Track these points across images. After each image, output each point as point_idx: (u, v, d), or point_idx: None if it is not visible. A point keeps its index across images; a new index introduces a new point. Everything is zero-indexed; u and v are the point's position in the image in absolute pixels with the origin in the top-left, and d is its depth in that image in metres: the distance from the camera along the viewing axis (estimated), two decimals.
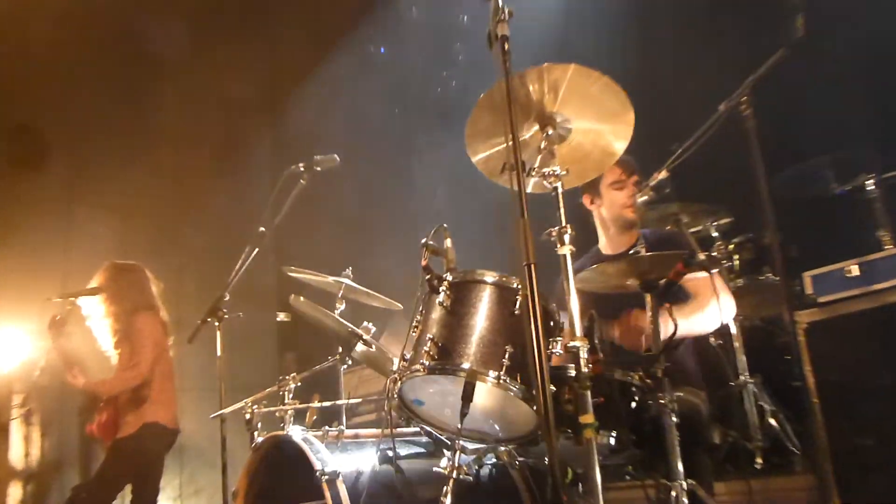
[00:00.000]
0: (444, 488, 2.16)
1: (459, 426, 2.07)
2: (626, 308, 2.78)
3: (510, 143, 1.89)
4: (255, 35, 6.60)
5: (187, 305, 4.84)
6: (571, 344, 2.07)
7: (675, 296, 2.91)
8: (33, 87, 5.44)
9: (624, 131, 2.39)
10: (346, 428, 2.71)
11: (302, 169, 3.56)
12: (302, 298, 3.04)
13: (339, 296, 3.23)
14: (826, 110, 3.93)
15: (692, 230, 4.12)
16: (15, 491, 4.70)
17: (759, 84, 2.80)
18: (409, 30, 6.58)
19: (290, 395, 2.93)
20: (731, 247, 4.19)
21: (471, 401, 2.06)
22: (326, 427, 2.67)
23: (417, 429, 2.47)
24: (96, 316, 4.27)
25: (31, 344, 4.75)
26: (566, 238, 2.15)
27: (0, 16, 5.14)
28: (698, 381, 2.97)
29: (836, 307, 2.99)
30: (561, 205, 2.21)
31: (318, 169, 3.57)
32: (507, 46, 1.98)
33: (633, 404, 2.33)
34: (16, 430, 4.72)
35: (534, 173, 2.26)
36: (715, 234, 4.22)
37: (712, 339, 4.00)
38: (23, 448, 4.75)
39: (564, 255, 2.14)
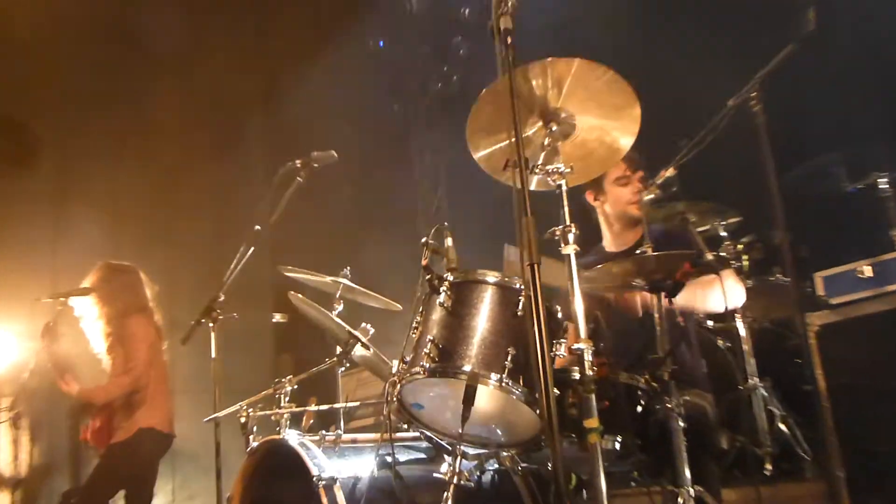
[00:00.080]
0: (445, 495, 2.16)
1: (460, 430, 2.07)
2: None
3: (513, 139, 1.89)
4: (250, 28, 6.60)
5: (181, 306, 4.83)
6: (576, 346, 2.07)
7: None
8: (20, 80, 5.43)
9: (630, 127, 2.39)
10: (344, 432, 2.71)
11: (299, 165, 3.56)
12: (300, 296, 3.04)
13: (337, 296, 3.24)
14: (838, 106, 3.94)
15: (700, 229, 4.12)
16: (3, 497, 4.69)
17: (769, 79, 2.80)
18: (409, 23, 6.59)
19: (287, 399, 2.93)
20: (740, 247, 4.19)
21: (472, 404, 2.06)
22: (323, 431, 2.67)
23: (417, 433, 2.47)
24: (89, 317, 4.28)
25: (20, 345, 4.75)
26: (570, 237, 2.15)
27: None
28: (706, 384, 2.97)
29: (848, 309, 3.00)
30: (565, 203, 2.21)
31: (316, 165, 3.57)
32: (509, 40, 1.98)
33: (639, 408, 2.33)
34: (4, 434, 4.71)
35: (537, 170, 2.26)
36: (723, 233, 4.22)
37: (720, 342, 4.00)
38: (11, 452, 4.74)
39: (569, 255, 2.14)
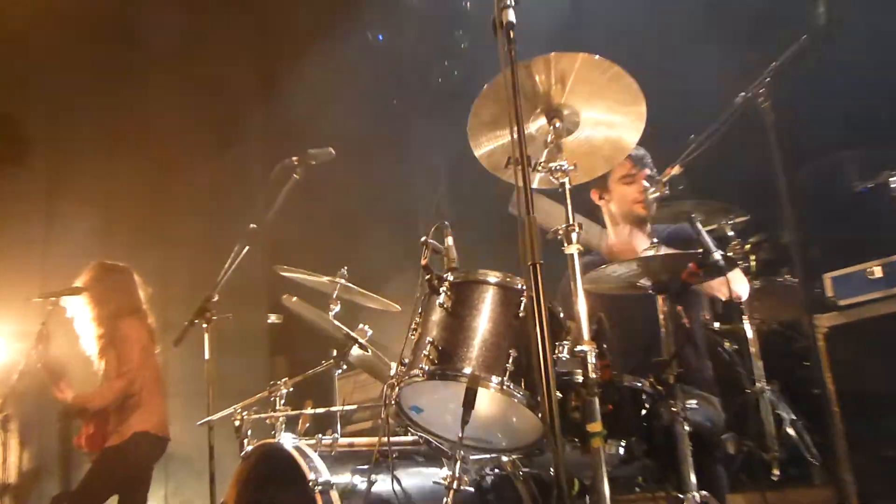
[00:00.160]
0: (445, 501, 2.16)
1: (460, 435, 2.07)
2: (635, 309, 2.77)
3: (515, 136, 1.88)
4: (246, 21, 6.59)
5: (174, 306, 4.84)
6: (579, 348, 2.07)
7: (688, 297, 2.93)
8: (10, 75, 5.43)
9: (635, 124, 2.39)
10: (341, 436, 2.71)
11: (295, 162, 3.56)
12: (295, 298, 3.04)
13: (334, 296, 3.24)
14: (849, 103, 3.93)
15: (707, 229, 4.12)
16: None
17: (778, 74, 2.80)
18: (409, 16, 6.59)
19: (282, 402, 2.93)
20: (748, 247, 4.20)
21: (472, 408, 2.05)
22: (320, 435, 2.67)
23: (416, 437, 2.47)
24: (81, 318, 4.28)
25: (9, 346, 4.75)
26: (574, 236, 2.14)
27: None
28: (712, 387, 2.97)
29: (857, 311, 3.00)
30: (569, 201, 2.21)
31: (313, 162, 3.57)
32: (512, 34, 1.98)
33: (644, 412, 2.33)
34: None
35: (540, 168, 2.26)
36: (730, 233, 4.22)
37: (727, 344, 4.00)
38: None
39: (572, 255, 2.14)
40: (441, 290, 2.24)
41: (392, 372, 2.32)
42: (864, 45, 3.91)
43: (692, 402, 2.37)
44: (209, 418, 3.27)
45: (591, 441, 1.98)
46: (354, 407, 4.21)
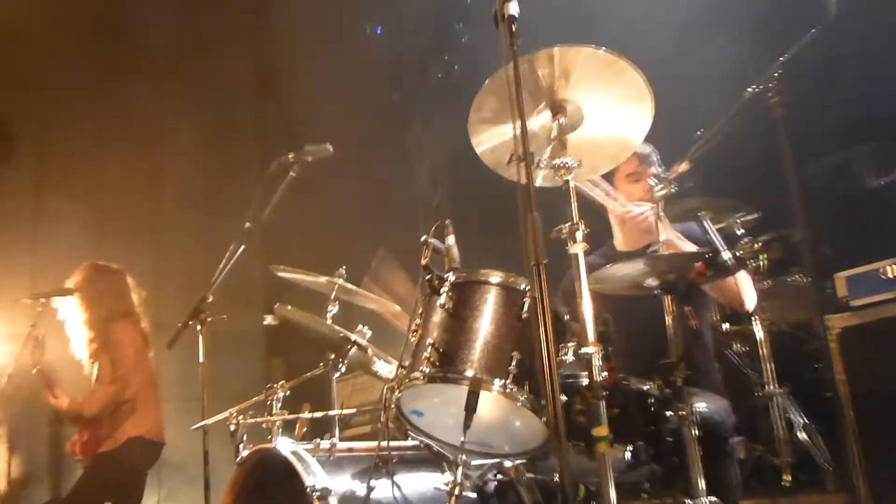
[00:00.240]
0: None
1: (462, 439, 2.07)
2: (641, 310, 2.78)
3: (518, 132, 1.89)
4: (240, 13, 6.60)
5: (167, 308, 4.85)
6: (584, 350, 2.07)
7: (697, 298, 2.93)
8: None
9: (642, 120, 2.39)
10: (340, 441, 2.72)
11: (292, 159, 3.56)
12: (289, 307, 3.04)
13: (332, 297, 3.24)
14: (863, 96, 3.93)
15: (715, 227, 4.13)
16: None
17: (788, 67, 2.80)
18: (408, 7, 6.58)
19: (279, 405, 2.94)
20: (758, 245, 4.20)
21: (474, 411, 2.06)
22: (318, 440, 2.68)
23: (416, 442, 2.48)
24: (72, 320, 4.28)
25: None
26: (578, 235, 2.15)
27: None
28: (721, 390, 2.98)
29: (871, 311, 3.00)
30: (573, 199, 2.21)
31: (310, 159, 3.57)
32: (514, 27, 1.98)
33: (651, 415, 2.33)
34: None
35: (543, 165, 2.26)
36: (740, 231, 4.23)
37: (737, 346, 4.01)
38: None
39: (577, 254, 2.15)
40: (442, 290, 2.24)
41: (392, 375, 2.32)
42: (877, 37, 3.91)
43: (700, 399, 2.37)
44: (203, 423, 3.27)
45: (596, 445, 1.99)
46: (353, 410, 4.24)
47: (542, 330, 1.74)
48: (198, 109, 6.16)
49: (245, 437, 2.92)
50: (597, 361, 2.05)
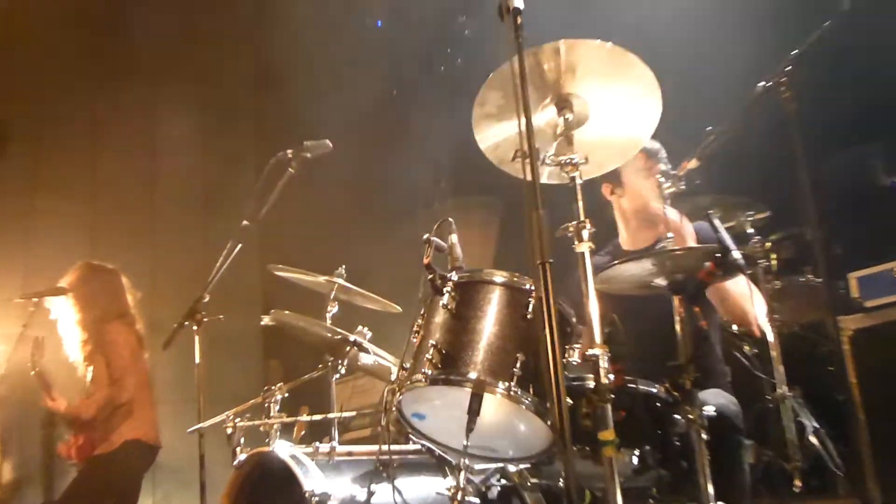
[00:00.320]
0: None
1: (465, 443, 2.07)
2: (648, 310, 2.77)
3: (523, 128, 1.88)
4: (238, 5, 6.60)
5: (162, 307, 4.85)
6: (590, 352, 2.07)
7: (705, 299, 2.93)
8: None
9: (650, 115, 2.39)
10: (339, 444, 2.71)
11: (290, 156, 3.56)
12: (286, 312, 3.04)
13: (331, 297, 3.24)
14: (876, 92, 3.92)
15: (725, 225, 4.12)
16: None
17: (800, 62, 2.79)
18: (409, 0, 6.57)
19: (277, 408, 2.94)
20: (769, 244, 4.19)
21: (478, 415, 2.05)
22: (317, 443, 2.68)
23: (418, 445, 2.47)
24: (65, 320, 4.29)
25: None
26: (585, 234, 2.14)
27: None
28: (731, 393, 2.97)
29: (884, 312, 3.00)
30: (579, 197, 2.21)
31: (309, 156, 3.57)
32: (519, 20, 1.98)
33: (659, 419, 2.33)
34: None
35: (549, 162, 2.26)
36: (750, 230, 4.22)
37: (747, 347, 4.00)
38: None
39: (583, 253, 2.14)
40: (444, 290, 2.24)
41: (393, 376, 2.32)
42: (891, 31, 3.90)
43: (710, 396, 2.37)
44: (200, 425, 3.27)
45: (602, 450, 1.98)
46: (353, 413, 4.24)
47: (547, 331, 1.73)
48: (194, 105, 6.17)
49: (242, 441, 2.92)
50: (603, 363, 2.05)
